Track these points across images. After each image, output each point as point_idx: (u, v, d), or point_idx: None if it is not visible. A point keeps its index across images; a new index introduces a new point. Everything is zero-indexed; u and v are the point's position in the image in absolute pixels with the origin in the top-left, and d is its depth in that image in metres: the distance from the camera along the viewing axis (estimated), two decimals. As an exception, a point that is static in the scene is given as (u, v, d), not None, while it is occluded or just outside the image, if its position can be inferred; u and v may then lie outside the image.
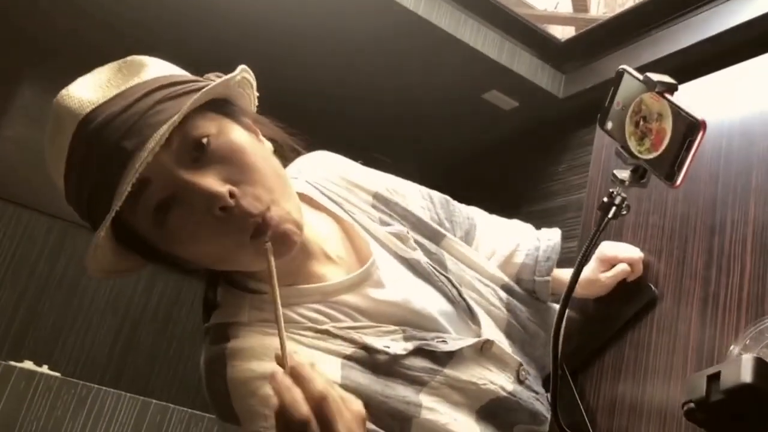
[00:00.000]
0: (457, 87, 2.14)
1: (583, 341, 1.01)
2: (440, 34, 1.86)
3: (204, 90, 0.73)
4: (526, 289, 1.02)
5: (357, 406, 0.64)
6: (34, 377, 1.50)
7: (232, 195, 0.72)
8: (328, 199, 0.93)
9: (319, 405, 0.60)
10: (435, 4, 1.85)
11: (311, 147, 0.95)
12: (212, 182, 0.72)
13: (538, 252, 1.03)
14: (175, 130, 0.70)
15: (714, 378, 0.54)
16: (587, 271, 0.99)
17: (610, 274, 0.98)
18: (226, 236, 0.73)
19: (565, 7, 2.82)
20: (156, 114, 0.71)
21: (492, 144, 2.52)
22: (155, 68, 0.77)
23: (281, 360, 0.64)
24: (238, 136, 0.76)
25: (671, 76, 0.73)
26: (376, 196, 0.96)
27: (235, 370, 0.77)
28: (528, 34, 2.01)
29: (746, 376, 0.52)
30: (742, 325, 0.83)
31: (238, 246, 0.74)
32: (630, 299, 0.98)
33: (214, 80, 0.77)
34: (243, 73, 0.78)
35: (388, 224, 0.94)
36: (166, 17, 1.97)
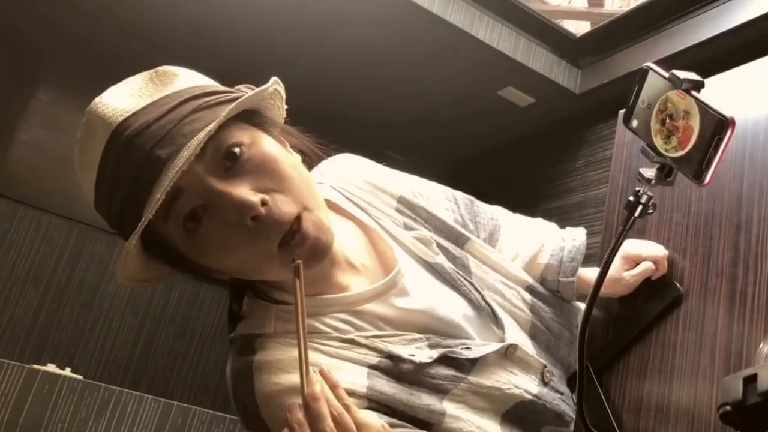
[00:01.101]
0: (472, 84, 2.13)
1: (608, 341, 1.01)
2: (455, 32, 1.86)
3: (239, 101, 0.73)
4: (550, 289, 1.02)
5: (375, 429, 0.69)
6: (58, 380, 1.52)
7: (263, 203, 0.72)
8: (353, 204, 0.93)
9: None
10: (449, 2, 1.85)
11: (329, 148, 0.95)
12: (245, 191, 0.72)
13: (563, 252, 1.02)
14: (209, 140, 0.71)
15: (750, 380, 0.53)
16: (611, 270, 0.98)
17: (634, 272, 0.98)
18: (255, 245, 0.73)
19: (580, 2, 2.81)
20: (190, 123, 0.71)
21: (508, 141, 2.51)
22: (187, 78, 0.78)
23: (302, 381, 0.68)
24: (269, 146, 0.77)
25: (689, 71, 0.72)
26: (401, 200, 0.95)
27: (262, 384, 0.78)
28: (543, 29, 2.00)
29: (784, 378, 0.51)
30: (771, 324, 0.82)
31: (266, 255, 0.74)
32: (655, 298, 0.97)
33: (245, 92, 0.77)
34: (275, 85, 0.79)
35: (412, 228, 0.93)
36: (177, 24, 1.98)
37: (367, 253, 0.90)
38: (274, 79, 0.79)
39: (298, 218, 0.74)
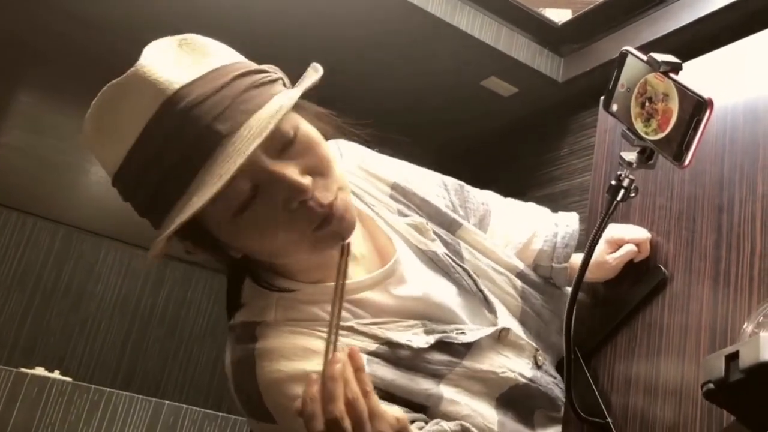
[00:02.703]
0: (455, 75, 2.13)
1: (595, 325, 1.01)
2: (436, 22, 1.85)
3: (304, 85, 0.74)
4: (542, 276, 1.03)
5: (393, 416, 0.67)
6: (47, 383, 1.51)
7: (311, 187, 0.73)
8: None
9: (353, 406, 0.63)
10: (430, -8, 1.84)
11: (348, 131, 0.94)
12: (296, 174, 0.72)
13: (556, 238, 1.03)
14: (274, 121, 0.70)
15: (732, 358, 0.54)
16: (595, 255, 0.99)
17: (617, 255, 0.98)
18: (293, 228, 0.74)
19: (561, -10, 2.81)
20: (247, 101, 0.70)
21: (492, 131, 2.51)
22: (222, 51, 0.76)
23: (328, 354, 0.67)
24: (312, 129, 0.77)
25: (672, 55, 0.73)
26: (395, 187, 0.96)
27: (265, 371, 0.78)
28: (524, 18, 2.00)
29: (765, 354, 0.51)
30: (754, 303, 0.82)
31: (301, 236, 0.75)
32: (640, 281, 0.97)
33: (281, 74, 0.78)
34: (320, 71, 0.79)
35: (405, 215, 0.94)
36: (162, 19, 1.97)
37: (365, 242, 0.91)
38: (320, 68, 0.79)
39: (335, 200, 0.75)
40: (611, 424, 0.92)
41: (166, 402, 1.62)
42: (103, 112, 0.73)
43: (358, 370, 0.67)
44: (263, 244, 0.76)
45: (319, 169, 0.75)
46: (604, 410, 0.94)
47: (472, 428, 0.82)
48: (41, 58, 2.25)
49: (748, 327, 0.80)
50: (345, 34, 1.98)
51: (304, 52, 2.14)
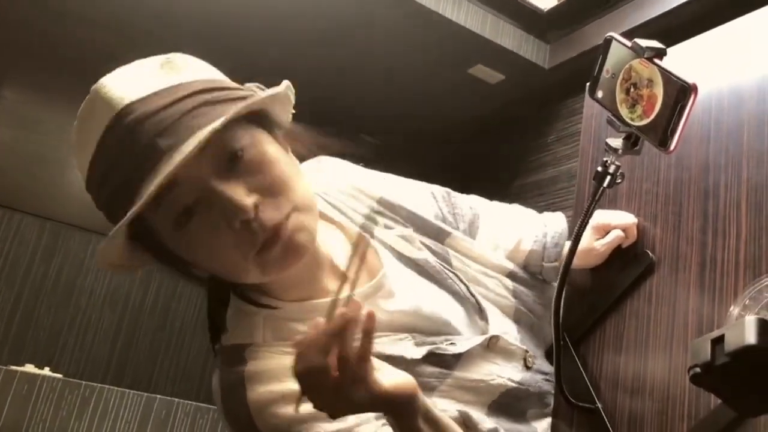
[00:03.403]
0: (441, 63, 2.13)
1: (584, 311, 1.02)
2: (422, 11, 1.85)
3: (247, 102, 0.72)
4: (532, 273, 1.03)
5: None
6: (37, 380, 1.50)
7: (255, 207, 0.71)
8: (336, 209, 0.93)
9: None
10: (414, -19, 1.84)
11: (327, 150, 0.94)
12: (240, 193, 0.71)
13: (546, 238, 1.04)
14: (211, 137, 0.69)
15: (718, 341, 0.54)
16: (582, 241, 0.99)
17: (604, 241, 0.99)
18: (237, 248, 0.73)
19: (546, -24, 2.80)
20: (196, 117, 0.70)
21: (480, 119, 2.51)
22: (197, 70, 0.76)
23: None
24: (270, 148, 0.76)
25: (657, 39, 0.73)
26: (381, 201, 0.96)
27: (255, 394, 0.77)
28: (510, 5, 2.00)
29: (750, 337, 0.52)
30: (740, 286, 0.83)
31: (243, 259, 0.74)
32: (628, 267, 0.98)
33: (255, 91, 0.76)
34: (287, 89, 0.78)
35: (392, 228, 0.94)
36: (144, 14, 1.95)
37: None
38: (286, 83, 0.78)
39: (285, 220, 0.73)
40: (601, 409, 0.93)
41: (158, 396, 1.62)
42: (77, 125, 0.75)
43: (365, 332, 0.64)
44: (213, 263, 0.76)
45: (270, 189, 0.73)
46: (594, 396, 0.94)
47: (471, 415, 0.83)
48: (24, 54, 2.23)
49: (735, 310, 0.80)
50: (329, 25, 1.97)
51: (288, 45, 2.14)
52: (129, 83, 0.72)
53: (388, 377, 0.68)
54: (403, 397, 0.70)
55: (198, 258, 0.76)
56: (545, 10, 2.06)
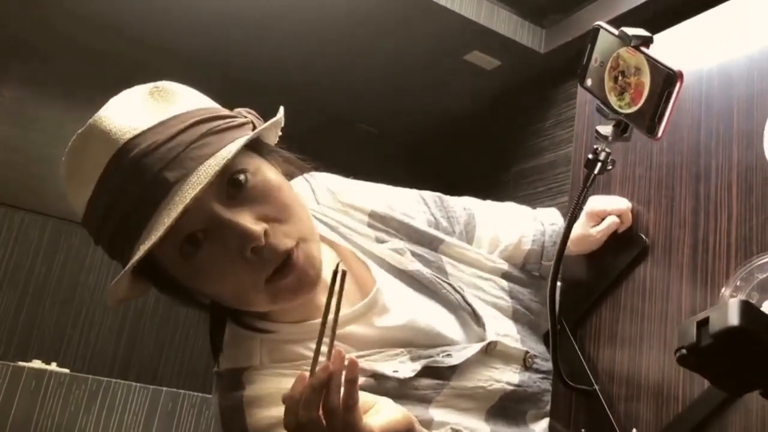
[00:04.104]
0: (437, 51, 2.13)
1: (580, 295, 1.03)
2: None
3: (255, 132, 0.73)
4: (530, 271, 1.04)
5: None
6: (44, 375, 1.52)
7: (265, 234, 0.72)
8: (326, 226, 0.92)
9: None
10: (408, -31, 1.84)
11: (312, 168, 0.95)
12: (249, 221, 0.72)
13: (544, 237, 1.05)
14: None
15: (703, 323, 0.55)
16: (578, 228, 1.01)
17: (600, 227, 1.00)
18: (247, 275, 0.73)
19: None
20: (200, 147, 0.70)
21: (478, 105, 2.52)
22: (189, 98, 0.77)
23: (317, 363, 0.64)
24: (272, 174, 0.77)
25: (650, 23, 0.73)
26: (372, 215, 0.95)
27: (254, 419, 0.77)
28: (504, -9, 2.00)
29: (733, 319, 0.53)
30: (732, 268, 0.84)
31: (253, 286, 0.74)
32: (622, 251, 0.99)
33: (247, 116, 0.77)
34: (281, 116, 0.79)
35: (384, 241, 0.93)
36: (144, 14, 1.95)
37: None
38: (282, 111, 0.79)
39: (292, 250, 0.74)
40: (599, 391, 0.94)
41: (164, 388, 1.64)
42: (71, 159, 0.75)
43: (349, 381, 0.64)
44: (223, 291, 0.76)
45: (277, 216, 0.74)
46: (591, 378, 0.96)
47: (463, 429, 0.83)
48: (23, 51, 2.23)
49: (726, 291, 0.82)
50: (325, 13, 1.97)
51: (284, 35, 2.14)
52: (125, 117, 0.72)
53: (381, 417, 0.67)
54: None
55: (206, 286, 0.76)
56: (540, -5, 2.07)
